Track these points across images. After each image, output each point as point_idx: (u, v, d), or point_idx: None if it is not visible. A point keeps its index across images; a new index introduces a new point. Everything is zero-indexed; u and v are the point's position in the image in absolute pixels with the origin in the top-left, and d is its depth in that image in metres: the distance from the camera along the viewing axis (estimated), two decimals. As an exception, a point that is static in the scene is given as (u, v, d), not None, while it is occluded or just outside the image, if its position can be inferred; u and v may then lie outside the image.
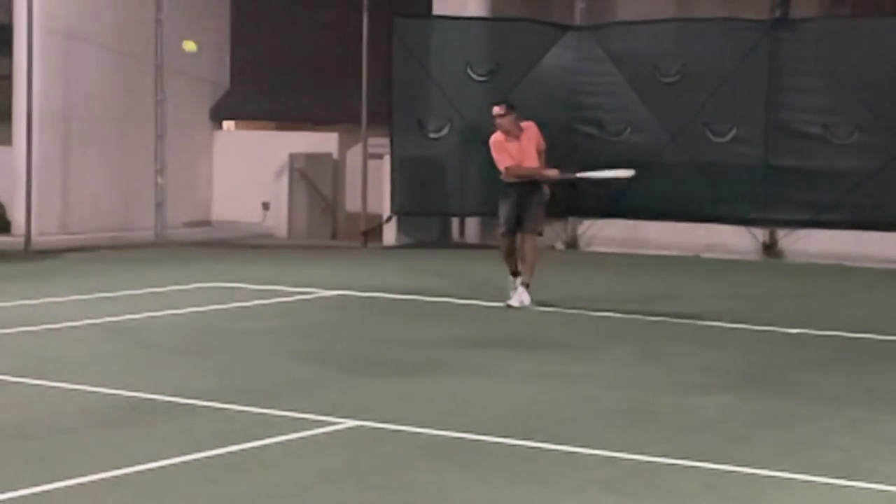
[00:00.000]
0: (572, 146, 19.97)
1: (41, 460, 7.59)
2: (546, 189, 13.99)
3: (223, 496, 6.95)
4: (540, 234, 14.05)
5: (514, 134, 13.82)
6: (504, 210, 13.95)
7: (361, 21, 20.42)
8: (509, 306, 13.71)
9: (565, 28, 20.35)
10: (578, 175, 14.53)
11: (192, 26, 22.38)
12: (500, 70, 20.04)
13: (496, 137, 13.87)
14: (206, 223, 22.95)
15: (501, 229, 14.06)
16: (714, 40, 19.44)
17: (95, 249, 19.11)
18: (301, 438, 8.11)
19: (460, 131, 20.05)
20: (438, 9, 20.87)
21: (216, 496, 6.95)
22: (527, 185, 13.85)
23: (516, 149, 13.81)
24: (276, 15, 23.12)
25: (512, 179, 13.86)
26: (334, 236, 22.16)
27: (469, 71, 20.11)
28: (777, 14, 19.33)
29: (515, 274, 14.01)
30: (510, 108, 13.89)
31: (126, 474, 7.25)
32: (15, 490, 6.88)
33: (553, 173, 13.96)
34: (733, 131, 19.24)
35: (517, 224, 13.86)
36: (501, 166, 13.85)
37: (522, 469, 7.53)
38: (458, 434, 8.24)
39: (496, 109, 13.90)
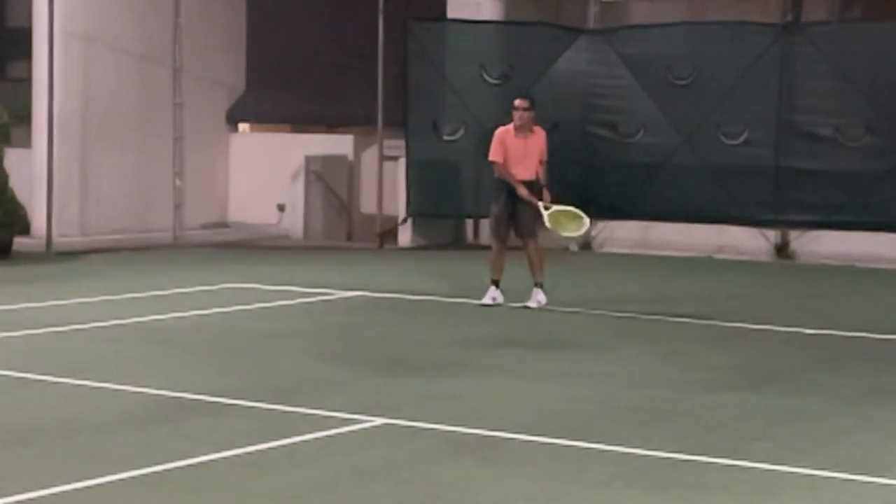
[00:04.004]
0: (586, 148, 20.19)
1: (77, 457, 7.76)
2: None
3: (258, 492, 7.10)
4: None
5: (523, 132, 13.95)
6: (496, 209, 14.04)
7: (377, 24, 20.53)
8: (527, 307, 13.88)
9: (579, 31, 20.48)
10: (542, 204, 13.73)
11: (210, 30, 22.61)
12: (514, 73, 20.19)
13: (502, 130, 13.98)
14: (223, 225, 23.14)
15: (493, 229, 14.15)
16: (726, 43, 19.56)
17: (115, 251, 19.28)
18: (332, 436, 8.28)
19: (475, 134, 20.15)
20: (453, 12, 21.00)
21: (251, 492, 7.11)
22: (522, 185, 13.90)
23: (520, 146, 13.86)
24: (293, 18, 23.28)
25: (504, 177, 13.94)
26: (350, 238, 22.32)
27: (483, 74, 20.27)
28: (788, 17, 19.46)
29: (496, 283, 14.07)
30: (533, 104, 14.04)
31: (161, 471, 7.40)
32: (55, 486, 7.05)
33: (524, 192, 13.72)
34: (745, 133, 19.37)
35: (513, 226, 13.98)
36: (491, 157, 13.94)
37: (548, 465, 7.71)
38: (485, 432, 8.42)
39: (520, 102, 13.99)
